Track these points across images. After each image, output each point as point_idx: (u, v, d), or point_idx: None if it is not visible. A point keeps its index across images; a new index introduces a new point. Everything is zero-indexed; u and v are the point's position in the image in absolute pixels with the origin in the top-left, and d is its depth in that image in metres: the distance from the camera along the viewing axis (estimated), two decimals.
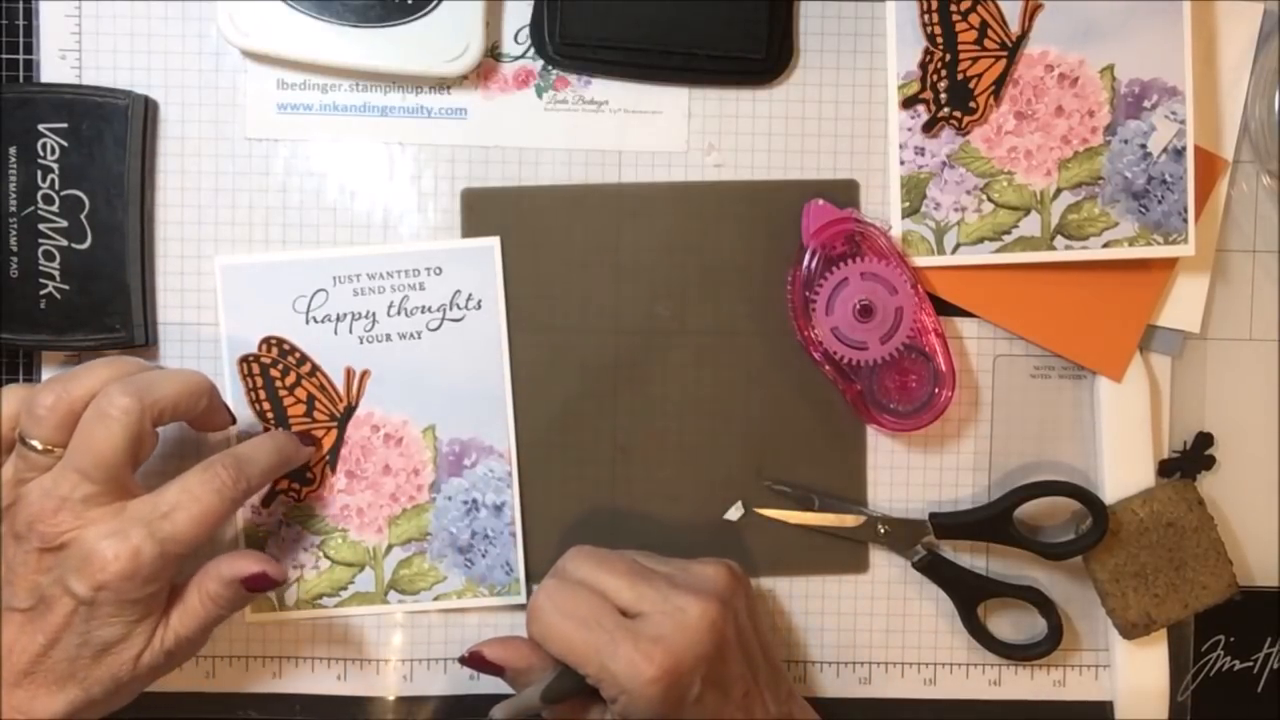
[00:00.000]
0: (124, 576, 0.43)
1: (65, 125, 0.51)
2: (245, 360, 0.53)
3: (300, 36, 0.51)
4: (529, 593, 0.54)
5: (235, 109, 0.53)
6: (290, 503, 0.53)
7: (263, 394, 0.53)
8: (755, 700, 0.47)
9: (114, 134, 0.51)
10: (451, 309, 0.53)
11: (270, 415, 0.53)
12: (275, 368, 0.53)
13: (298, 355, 0.53)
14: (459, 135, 0.53)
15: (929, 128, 0.53)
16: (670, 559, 0.50)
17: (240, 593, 0.47)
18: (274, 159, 0.53)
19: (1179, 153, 0.52)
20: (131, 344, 0.52)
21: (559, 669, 0.47)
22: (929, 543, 0.54)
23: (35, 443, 0.45)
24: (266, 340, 0.53)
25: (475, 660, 0.50)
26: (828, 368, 0.53)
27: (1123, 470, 0.55)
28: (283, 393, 0.53)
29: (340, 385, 0.53)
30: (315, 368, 0.53)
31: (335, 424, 0.53)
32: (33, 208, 0.51)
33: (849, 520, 0.54)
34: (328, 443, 0.53)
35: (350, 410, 0.53)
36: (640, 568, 0.48)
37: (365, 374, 0.53)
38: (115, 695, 0.46)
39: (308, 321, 0.53)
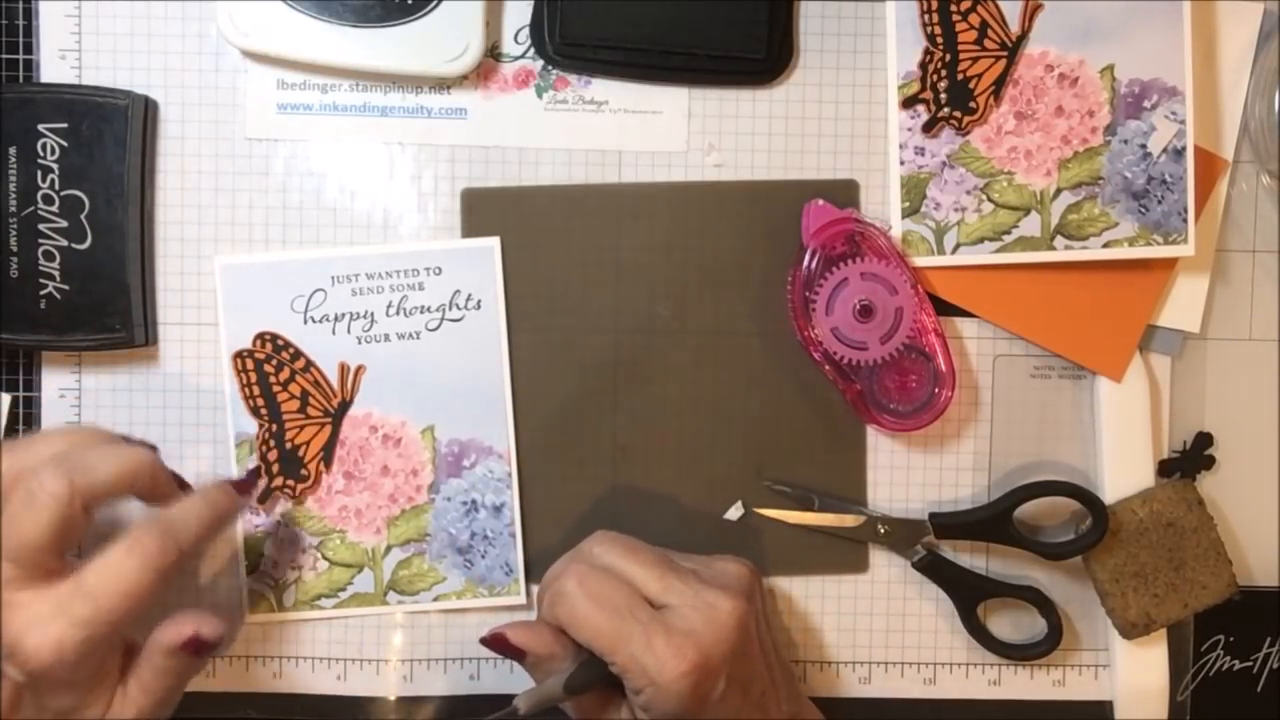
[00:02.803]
0: (53, 665, 0.41)
1: (65, 125, 0.51)
2: (239, 356, 0.53)
3: (300, 36, 0.51)
4: (529, 593, 0.54)
5: (235, 109, 0.53)
6: (286, 498, 0.53)
7: (256, 389, 0.53)
8: (770, 699, 0.47)
9: (114, 134, 0.51)
10: (451, 309, 0.53)
11: (265, 411, 0.53)
12: (269, 363, 0.53)
13: (291, 351, 0.53)
14: (459, 135, 0.53)
15: (929, 128, 0.53)
16: (689, 555, 0.50)
17: (188, 658, 0.45)
18: (274, 159, 0.53)
19: (1179, 153, 0.52)
20: (131, 344, 0.52)
21: (582, 659, 0.47)
22: (929, 543, 0.54)
23: None
24: (260, 336, 0.53)
25: (497, 641, 0.49)
26: (828, 368, 0.53)
27: (1122, 470, 0.55)
28: (276, 388, 0.53)
29: (335, 380, 0.53)
30: (309, 363, 0.53)
31: (330, 419, 0.53)
32: (33, 208, 0.51)
33: (849, 520, 0.54)
34: (322, 439, 0.53)
35: (345, 405, 0.53)
36: (668, 560, 0.48)
37: (360, 369, 0.53)
38: None
39: (306, 321, 0.53)
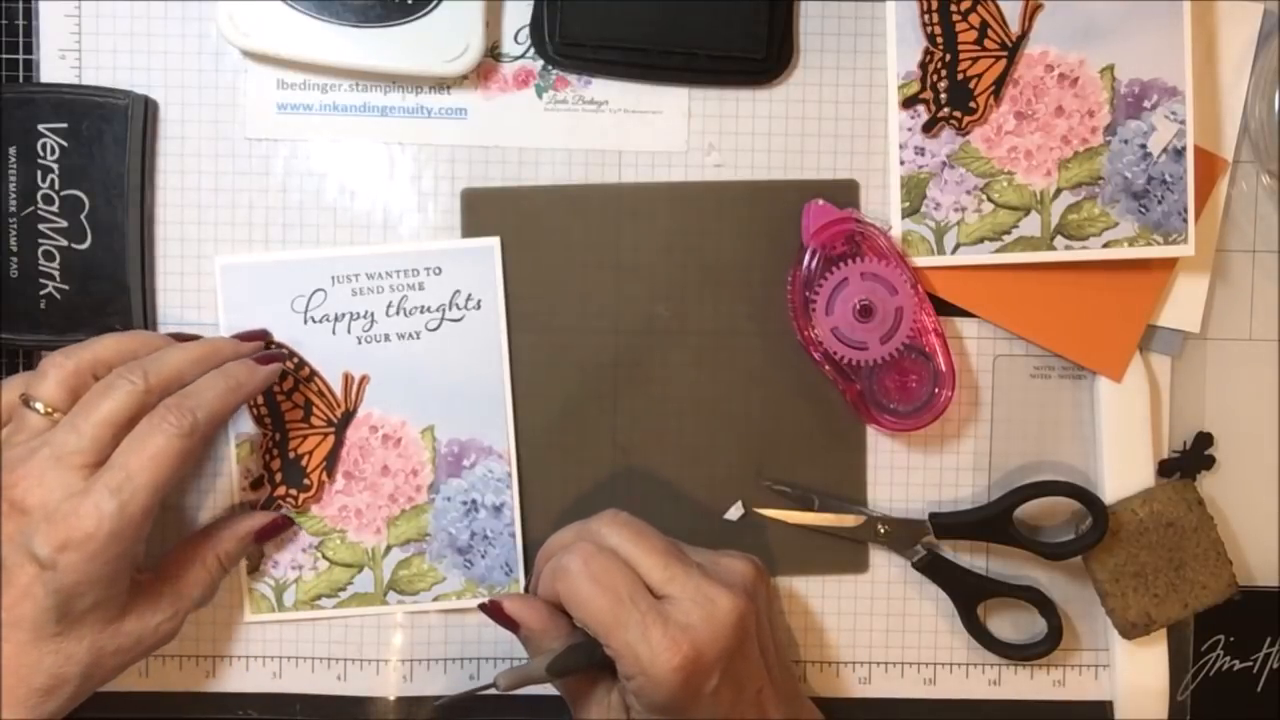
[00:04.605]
0: (89, 536, 0.42)
1: (65, 125, 0.51)
2: None
3: (300, 36, 0.51)
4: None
5: (235, 109, 0.53)
6: (289, 508, 0.53)
7: (260, 398, 0.53)
8: (768, 698, 0.47)
9: (114, 134, 0.51)
10: (451, 309, 0.53)
11: (268, 420, 0.53)
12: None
13: (295, 360, 0.53)
14: (459, 135, 0.53)
15: (929, 128, 0.53)
16: (697, 548, 0.50)
17: (251, 544, 0.52)
18: (274, 159, 0.53)
19: (1179, 153, 0.52)
20: None
21: (569, 642, 0.47)
22: (929, 543, 0.54)
23: (39, 405, 0.45)
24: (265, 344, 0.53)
25: (494, 610, 0.49)
26: (828, 368, 0.53)
27: (1123, 470, 0.55)
28: (280, 397, 0.53)
29: (339, 390, 0.53)
30: (313, 373, 0.53)
31: (333, 429, 0.53)
32: (33, 208, 0.51)
33: (849, 520, 0.54)
34: (325, 448, 0.53)
35: (349, 415, 0.53)
36: (675, 549, 0.48)
37: (364, 379, 0.53)
38: (111, 657, 0.46)
39: (306, 321, 0.53)
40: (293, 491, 0.53)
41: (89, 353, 0.46)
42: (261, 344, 0.51)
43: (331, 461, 0.53)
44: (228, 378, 0.47)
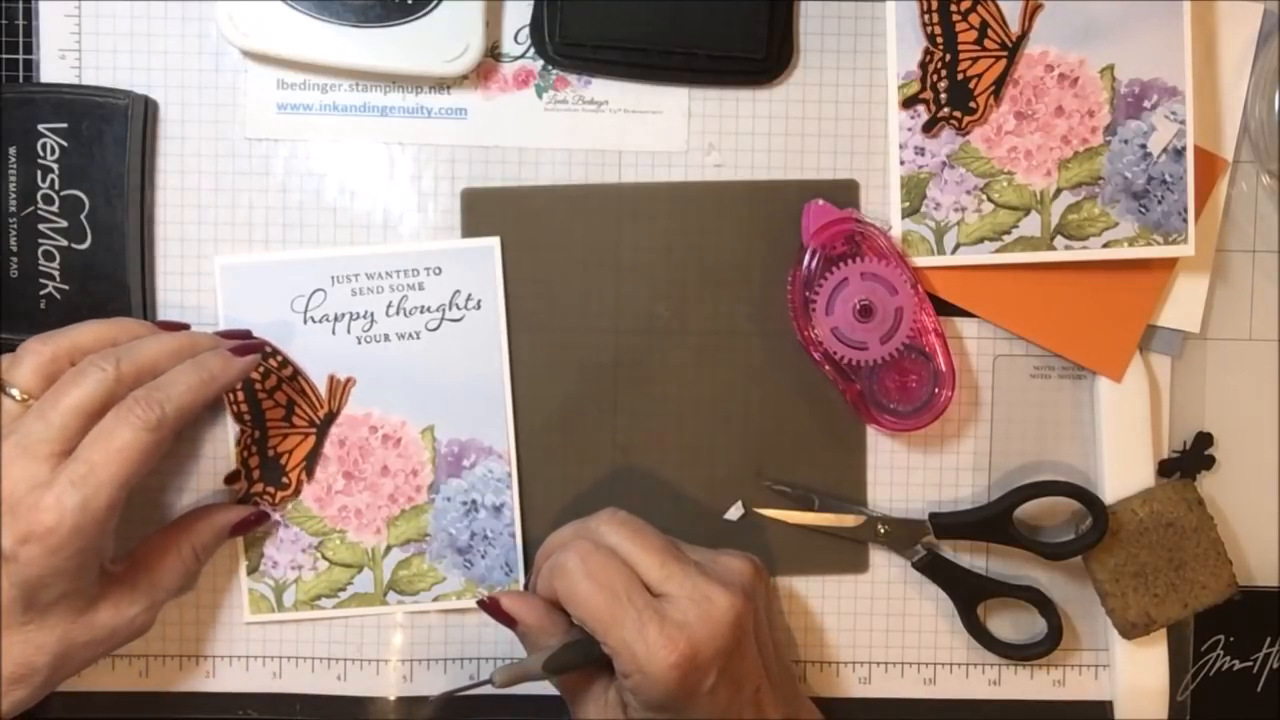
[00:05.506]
0: (52, 528, 0.42)
1: (65, 125, 0.51)
2: None
3: (300, 36, 0.51)
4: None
5: (235, 109, 0.53)
6: (265, 505, 0.53)
7: (240, 394, 0.53)
8: (765, 698, 0.47)
9: (114, 134, 0.51)
10: (451, 309, 0.53)
11: (248, 417, 0.53)
12: (255, 369, 0.52)
13: (279, 359, 0.53)
14: (459, 135, 0.53)
15: (929, 128, 0.53)
16: (696, 547, 0.50)
17: (226, 538, 0.52)
18: (274, 159, 0.53)
19: (1179, 153, 0.52)
20: None
21: (566, 640, 0.47)
22: (929, 543, 0.54)
23: (14, 390, 0.45)
24: None
25: (492, 606, 0.49)
26: (828, 368, 0.53)
27: (1123, 470, 0.55)
28: (261, 395, 0.53)
29: (323, 391, 0.53)
30: (297, 372, 0.53)
31: (314, 430, 0.53)
32: (33, 208, 0.51)
33: (849, 520, 0.54)
34: (305, 448, 0.53)
35: (331, 417, 0.53)
36: (673, 548, 0.48)
37: (349, 381, 0.53)
38: (83, 650, 0.46)
39: (305, 321, 0.53)
40: (270, 489, 0.53)
41: (67, 339, 0.46)
42: (242, 340, 0.51)
43: (311, 461, 0.53)
44: (200, 369, 0.46)
